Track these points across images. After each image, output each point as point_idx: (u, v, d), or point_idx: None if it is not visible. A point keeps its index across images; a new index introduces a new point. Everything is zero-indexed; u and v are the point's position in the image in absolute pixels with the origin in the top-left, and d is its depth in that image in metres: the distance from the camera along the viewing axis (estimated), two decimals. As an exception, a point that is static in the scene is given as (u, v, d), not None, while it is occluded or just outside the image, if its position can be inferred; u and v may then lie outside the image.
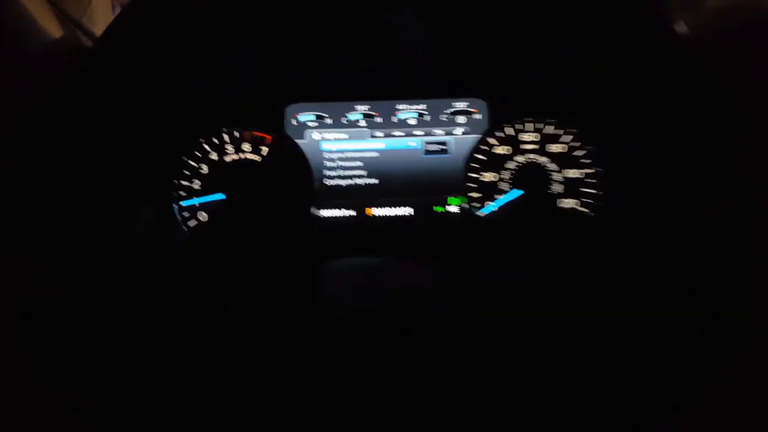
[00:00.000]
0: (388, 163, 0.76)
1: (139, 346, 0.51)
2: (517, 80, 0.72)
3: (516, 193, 0.74)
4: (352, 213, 0.75)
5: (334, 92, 0.75)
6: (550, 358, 0.50)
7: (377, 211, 0.75)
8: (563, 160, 0.73)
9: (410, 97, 0.75)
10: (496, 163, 0.75)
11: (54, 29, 0.56)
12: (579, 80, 0.67)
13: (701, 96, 0.51)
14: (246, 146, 0.74)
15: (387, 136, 0.76)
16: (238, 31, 0.63)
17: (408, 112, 0.76)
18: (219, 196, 0.73)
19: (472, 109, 0.75)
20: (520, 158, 0.74)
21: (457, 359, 0.50)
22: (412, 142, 0.76)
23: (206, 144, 0.73)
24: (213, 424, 0.49)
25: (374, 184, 0.76)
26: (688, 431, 0.49)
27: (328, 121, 0.76)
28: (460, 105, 0.75)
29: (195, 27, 0.60)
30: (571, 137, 0.73)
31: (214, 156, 0.73)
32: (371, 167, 0.76)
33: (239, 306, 0.53)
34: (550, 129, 0.73)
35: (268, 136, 0.75)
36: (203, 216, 0.73)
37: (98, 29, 0.64)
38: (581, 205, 0.73)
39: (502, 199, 0.75)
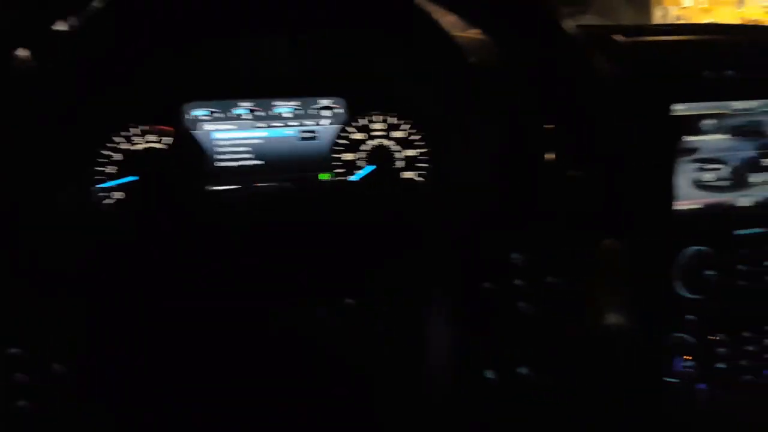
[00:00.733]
0: (270, 147, 0.96)
1: (66, 314, 0.56)
2: (367, 82, 0.95)
3: (369, 169, 0.97)
4: (242, 187, 0.96)
5: (223, 92, 0.95)
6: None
7: (262, 185, 0.97)
8: (404, 143, 0.98)
9: (286, 95, 0.96)
10: (354, 146, 0.98)
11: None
12: (406, 83, 0.92)
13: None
14: (151, 137, 0.92)
15: (268, 126, 0.97)
16: (145, 47, 0.81)
17: (284, 107, 0.97)
18: (130, 179, 0.91)
19: (334, 105, 0.97)
20: (372, 142, 0.98)
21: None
22: (289, 131, 0.97)
23: (119, 137, 0.90)
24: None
25: (259, 164, 0.96)
26: None
27: (218, 115, 0.96)
28: (325, 102, 0.97)
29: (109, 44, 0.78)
30: (408, 126, 0.97)
31: (125, 146, 0.91)
32: (256, 151, 0.96)
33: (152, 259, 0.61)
34: (393, 119, 0.97)
35: (169, 129, 0.93)
36: (117, 196, 0.91)
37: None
38: (417, 176, 0.98)
39: (359, 174, 0.98)
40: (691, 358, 0.81)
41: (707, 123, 0.81)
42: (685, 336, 0.82)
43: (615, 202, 0.61)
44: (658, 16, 1.62)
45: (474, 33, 0.69)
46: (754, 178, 0.83)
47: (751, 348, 0.85)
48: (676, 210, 0.81)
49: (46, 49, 0.69)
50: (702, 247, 0.80)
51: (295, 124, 0.95)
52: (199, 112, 0.92)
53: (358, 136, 0.95)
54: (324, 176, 0.96)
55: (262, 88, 0.94)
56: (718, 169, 0.82)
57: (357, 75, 0.93)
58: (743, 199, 0.83)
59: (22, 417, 0.54)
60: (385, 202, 0.82)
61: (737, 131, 0.82)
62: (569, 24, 0.57)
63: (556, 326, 0.60)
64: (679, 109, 0.79)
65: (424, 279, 0.59)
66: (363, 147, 0.96)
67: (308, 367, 0.57)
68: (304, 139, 0.96)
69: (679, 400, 0.84)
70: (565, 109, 0.60)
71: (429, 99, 0.89)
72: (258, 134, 0.94)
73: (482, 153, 0.77)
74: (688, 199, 0.81)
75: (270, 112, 0.94)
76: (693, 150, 0.81)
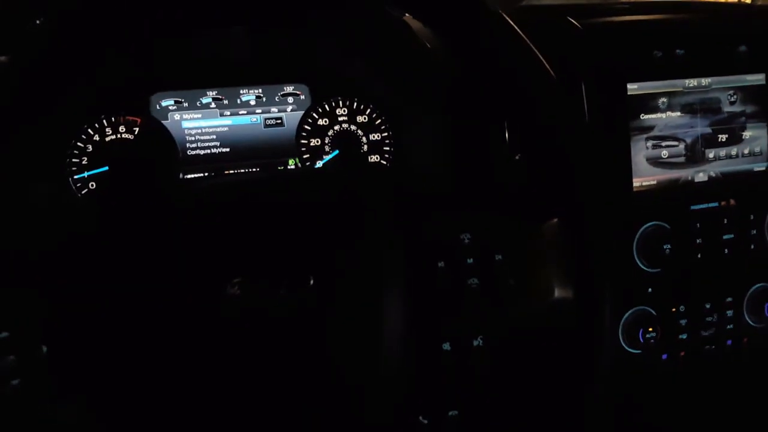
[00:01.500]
0: (236, 134, 0.98)
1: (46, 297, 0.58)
2: (328, 69, 0.97)
3: (335, 153, 0.99)
4: (212, 174, 0.98)
5: (189, 83, 0.97)
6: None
7: (231, 171, 0.98)
8: (367, 127, 1.00)
9: (250, 84, 0.98)
10: (319, 131, 1.00)
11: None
12: (366, 69, 0.94)
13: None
14: (121, 128, 0.94)
15: (233, 114, 0.98)
16: (113, 42, 0.83)
17: (248, 95, 0.98)
18: (103, 169, 0.93)
19: (297, 92, 0.99)
20: (336, 127, 1.00)
21: None
22: (254, 119, 0.99)
23: (90, 128, 0.92)
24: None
25: (226, 152, 0.98)
26: None
27: (185, 104, 0.97)
28: (289, 89, 0.99)
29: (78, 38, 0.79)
30: (369, 110, 0.99)
31: (96, 137, 0.92)
32: (222, 139, 0.98)
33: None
34: (354, 104, 0.99)
35: (138, 119, 0.95)
36: (92, 185, 0.93)
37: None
38: (381, 159, 1.00)
39: (326, 159, 1.00)
40: (652, 330, 0.83)
41: (661, 101, 0.82)
42: (646, 308, 0.84)
43: (560, 183, 0.63)
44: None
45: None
46: (708, 153, 0.85)
47: (711, 319, 0.87)
48: (634, 186, 0.82)
49: (15, 43, 0.70)
50: (660, 222, 0.82)
51: (260, 111, 0.97)
52: (167, 102, 0.93)
53: (322, 122, 0.96)
54: (290, 162, 0.97)
55: (228, 77, 0.95)
56: (674, 145, 0.84)
57: (319, 62, 0.94)
58: (699, 175, 0.85)
59: (12, 398, 0.56)
60: (348, 185, 0.84)
61: (691, 108, 0.84)
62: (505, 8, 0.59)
63: (505, 301, 0.62)
64: (633, 88, 0.81)
65: (381, 259, 0.61)
66: (328, 132, 0.97)
67: (270, 345, 0.59)
68: (268, 125, 0.97)
69: (642, 370, 0.86)
70: (509, 94, 0.61)
71: (386, 84, 0.90)
72: (225, 122, 0.96)
73: (433, 138, 0.79)
74: (645, 175, 0.83)
75: (237, 101, 0.95)
76: (649, 128, 0.82)
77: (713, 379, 0.91)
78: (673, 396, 0.91)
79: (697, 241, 0.84)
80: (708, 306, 0.86)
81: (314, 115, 0.96)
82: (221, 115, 0.95)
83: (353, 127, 0.97)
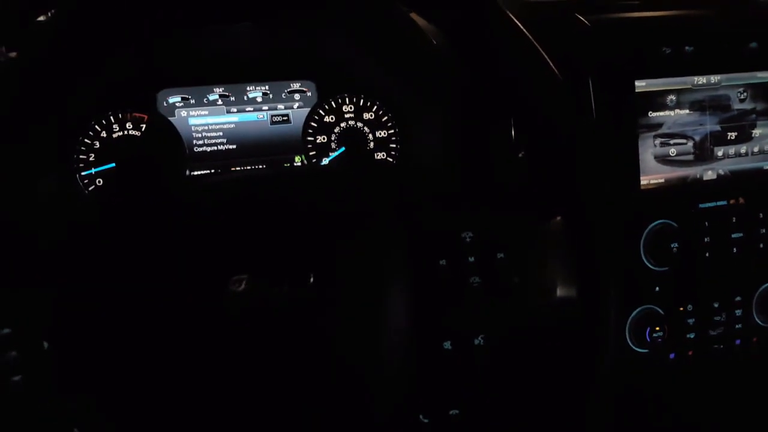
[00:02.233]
0: (242, 131, 0.98)
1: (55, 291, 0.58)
2: (335, 66, 0.97)
3: (341, 150, 0.99)
4: (218, 171, 0.98)
5: (196, 79, 0.97)
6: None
7: (237, 169, 0.99)
8: (373, 125, 1.00)
9: (257, 80, 0.98)
10: (325, 128, 1.00)
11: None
12: (373, 66, 0.94)
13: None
14: (128, 125, 0.95)
15: (239, 111, 0.98)
16: (119, 39, 0.83)
17: (255, 92, 0.98)
18: (110, 165, 0.93)
19: (304, 89, 0.99)
20: (343, 124, 1.00)
21: None
22: (260, 115, 0.99)
23: (97, 125, 0.92)
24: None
25: (233, 148, 0.98)
26: None
27: (192, 101, 0.97)
28: (295, 86, 0.99)
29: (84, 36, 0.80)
30: (376, 107, 0.99)
31: (103, 134, 0.93)
32: (229, 135, 0.98)
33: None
34: (361, 101, 0.99)
35: (145, 116, 0.95)
36: (99, 182, 0.94)
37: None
38: (387, 156, 1.00)
39: (332, 156, 1.00)
40: (659, 329, 0.82)
41: (670, 98, 0.82)
42: (653, 307, 0.83)
43: (563, 182, 0.62)
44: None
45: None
46: (717, 151, 0.84)
47: (720, 318, 0.86)
48: (642, 184, 0.82)
49: (23, 39, 0.71)
50: (667, 221, 0.82)
51: (266, 108, 0.97)
52: (174, 99, 0.94)
53: (328, 118, 0.96)
54: (297, 159, 0.97)
55: (234, 74, 0.95)
56: (683, 143, 0.83)
57: (326, 58, 0.94)
58: (707, 173, 0.84)
59: (14, 394, 0.56)
60: (353, 183, 0.84)
61: (700, 105, 0.83)
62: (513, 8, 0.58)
63: (507, 300, 0.62)
64: (641, 85, 0.80)
65: (384, 257, 0.61)
66: (334, 129, 0.97)
67: (272, 342, 0.59)
68: (274, 122, 0.97)
69: (650, 369, 0.86)
70: (512, 92, 0.61)
71: (392, 81, 0.90)
72: (232, 119, 0.96)
73: (439, 135, 0.79)
74: (653, 173, 0.82)
75: (243, 97, 0.95)
76: (657, 125, 0.82)
77: (721, 379, 0.90)
78: (680, 396, 0.90)
79: (705, 239, 0.84)
80: (716, 305, 0.85)
81: (321, 112, 0.96)
82: (228, 111, 0.95)
83: (359, 124, 0.96)
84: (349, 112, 0.97)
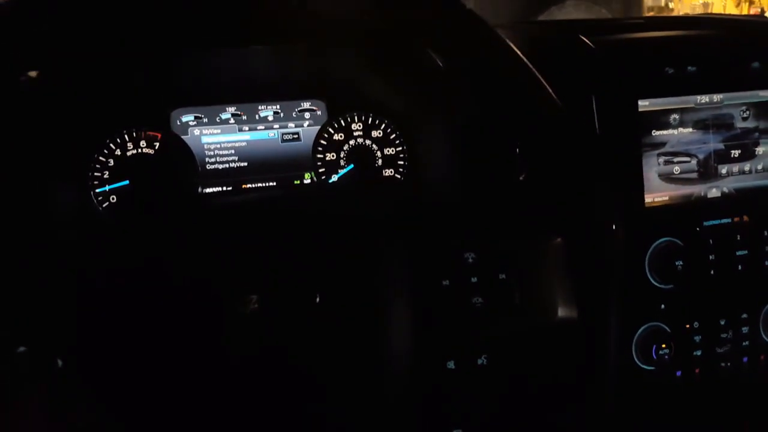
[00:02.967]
0: (254, 149, 1.00)
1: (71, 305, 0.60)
2: (344, 85, 0.99)
3: (350, 167, 1.01)
4: (229, 188, 1.00)
5: (209, 99, 0.99)
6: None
7: (249, 186, 1.01)
8: (382, 142, 1.01)
9: (268, 100, 1.00)
10: (334, 146, 1.01)
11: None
12: (381, 86, 0.95)
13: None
14: (142, 143, 0.97)
15: (251, 129, 1.01)
16: (134, 59, 0.86)
17: (266, 111, 1.00)
18: (124, 183, 0.96)
19: (314, 108, 1.01)
20: (352, 142, 1.02)
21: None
22: (271, 134, 1.01)
23: (111, 143, 0.95)
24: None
25: (244, 166, 1.00)
26: None
27: (205, 120, 1.00)
28: (306, 104, 1.01)
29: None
30: (384, 125, 1.01)
31: (118, 152, 0.95)
32: (241, 153, 1.00)
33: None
34: (370, 120, 1.01)
35: (158, 134, 0.98)
36: (113, 198, 0.96)
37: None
38: (395, 173, 1.01)
39: (341, 173, 1.02)
40: (665, 346, 0.83)
41: (673, 117, 0.82)
42: (660, 324, 0.84)
43: (563, 203, 0.63)
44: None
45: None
46: (721, 169, 0.85)
47: (726, 335, 0.86)
48: (646, 202, 0.82)
49: (41, 59, 0.73)
50: (672, 238, 0.82)
51: (277, 126, 0.99)
52: (187, 118, 0.96)
53: (338, 136, 0.98)
54: (307, 176, 0.99)
55: (246, 93, 0.97)
56: (687, 161, 0.84)
57: (336, 78, 0.96)
58: (712, 191, 0.85)
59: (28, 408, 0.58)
60: (362, 200, 0.85)
61: (704, 124, 0.84)
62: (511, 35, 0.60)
63: (509, 320, 0.63)
64: (645, 104, 0.81)
65: (388, 277, 0.62)
66: (343, 147, 0.99)
67: (278, 360, 0.60)
68: (285, 140, 0.99)
69: (656, 387, 0.86)
70: (513, 114, 0.62)
71: (401, 100, 0.92)
72: (244, 137, 0.98)
73: (445, 153, 0.80)
74: (657, 191, 0.83)
75: (255, 116, 0.97)
76: (661, 144, 0.82)
77: (729, 396, 0.90)
78: (687, 413, 0.90)
79: (710, 257, 0.84)
80: (723, 322, 0.86)
81: (330, 130, 0.98)
82: (240, 130, 0.97)
83: (368, 142, 0.98)
84: (358, 130, 0.99)
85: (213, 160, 0.96)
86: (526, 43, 0.89)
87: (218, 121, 0.96)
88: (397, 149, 0.99)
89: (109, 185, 0.92)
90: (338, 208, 0.76)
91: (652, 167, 0.82)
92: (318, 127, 0.98)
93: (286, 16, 0.70)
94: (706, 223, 0.84)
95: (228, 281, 0.61)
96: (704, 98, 0.83)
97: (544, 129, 0.60)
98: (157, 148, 0.94)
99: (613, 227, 0.79)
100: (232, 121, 0.97)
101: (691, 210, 0.84)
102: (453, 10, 0.56)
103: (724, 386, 0.88)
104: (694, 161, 0.84)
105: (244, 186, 0.97)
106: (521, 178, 0.66)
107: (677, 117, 0.82)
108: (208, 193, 0.96)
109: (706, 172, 0.84)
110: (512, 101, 0.60)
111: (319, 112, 0.98)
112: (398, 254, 0.63)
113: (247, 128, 0.97)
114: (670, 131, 0.82)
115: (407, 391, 0.62)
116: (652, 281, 0.82)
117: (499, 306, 0.63)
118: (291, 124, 0.98)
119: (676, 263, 0.82)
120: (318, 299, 0.58)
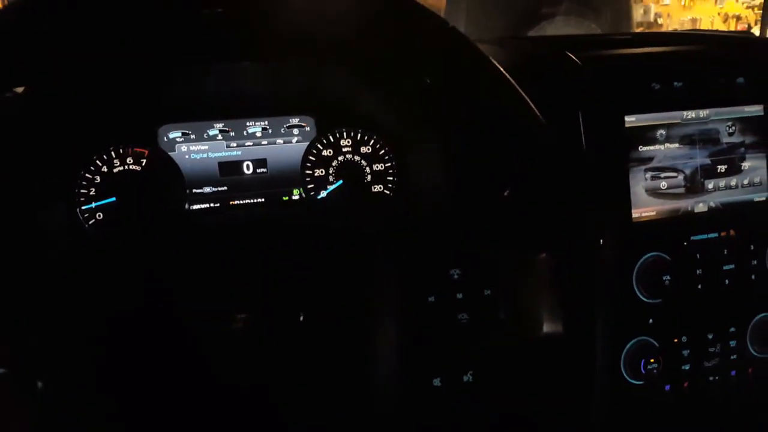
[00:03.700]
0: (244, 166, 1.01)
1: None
2: (333, 101, 0.99)
3: (339, 183, 1.01)
4: (217, 205, 1.00)
5: (196, 114, 0.99)
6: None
7: (236, 202, 1.00)
8: (371, 158, 1.01)
9: (256, 116, 1.00)
10: (323, 162, 1.01)
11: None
12: (371, 101, 0.96)
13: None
14: (129, 159, 0.96)
15: (239, 146, 1.01)
16: (121, 76, 0.86)
17: (255, 127, 1.00)
18: (110, 200, 0.95)
19: (302, 124, 1.01)
20: (341, 158, 1.02)
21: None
22: (261, 150, 1.01)
23: (98, 159, 0.94)
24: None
25: (233, 183, 1.00)
26: None
27: (192, 136, 1.00)
28: (294, 120, 1.01)
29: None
30: (373, 141, 1.01)
31: (104, 168, 0.95)
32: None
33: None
34: (359, 135, 1.01)
35: (145, 151, 0.97)
36: (100, 215, 0.95)
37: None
38: (384, 189, 1.01)
39: (329, 189, 1.02)
40: (654, 360, 0.83)
41: (660, 133, 0.83)
42: (648, 339, 0.84)
43: (549, 218, 0.64)
44: (639, 14, 1.64)
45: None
46: (708, 184, 0.85)
47: (714, 349, 0.86)
48: (633, 217, 0.83)
49: (29, 76, 0.73)
50: (659, 253, 0.83)
51: (265, 142, 0.98)
52: (175, 134, 0.96)
53: (326, 152, 0.98)
54: (295, 192, 0.99)
55: (234, 109, 0.97)
56: (673, 176, 0.84)
57: (325, 94, 0.96)
58: (699, 205, 0.85)
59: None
60: (349, 217, 0.85)
61: (690, 139, 0.84)
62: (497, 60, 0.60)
63: (495, 335, 0.63)
64: (631, 120, 0.81)
65: (375, 293, 0.62)
66: (332, 163, 0.98)
67: (262, 378, 0.60)
68: (274, 157, 0.98)
69: (645, 401, 0.86)
70: (498, 131, 0.63)
71: (390, 116, 0.92)
72: (232, 154, 0.98)
73: (435, 168, 0.80)
74: (644, 206, 0.83)
75: (243, 132, 0.97)
76: (647, 159, 0.83)
77: (717, 410, 0.90)
78: (676, 427, 0.90)
79: (698, 271, 0.84)
80: (710, 336, 0.86)
81: (319, 146, 0.98)
82: (227, 146, 0.97)
83: (357, 158, 0.98)
84: (347, 146, 0.99)
85: (201, 177, 0.96)
86: (512, 58, 0.90)
87: (206, 137, 0.96)
88: (386, 165, 0.99)
89: (95, 202, 0.91)
90: (327, 224, 0.76)
91: (639, 182, 0.82)
92: (307, 143, 0.98)
93: (274, 35, 0.70)
94: (693, 238, 0.84)
95: (215, 299, 0.62)
96: (691, 114, 0.83)
97: (529, 145, 0.60)
98: (144, 164, 0.93)
99: (601, 242, 0.79)
100: (219, 137, 0.96)
101: (679, 225, 0.84)
102: (436, 28, 0.57)
103: (712, 400, 0.88)
104: (680, 176, 0.84)
105: (231, 203, 0.97)
106: (506, 194, 0.67)
107: (664, 132, 0.82)
108: (196, 209, 0.95)
109: (693, 187, 0.85)
110: (496, 118, 0.60)
111: (307, 128, 0.98)
112: (385, 271, 0.62)
113: (234, 144, 0.97)
114: (657, 146, 0.83)
115: (394, 409, 0.61)
116: (640, 296, 0.82)
117: (485, 322, 0.63)
118: (279, 140, 0.98)
119: (664, 278, 0.82)
120: (302, 318, 0.57)
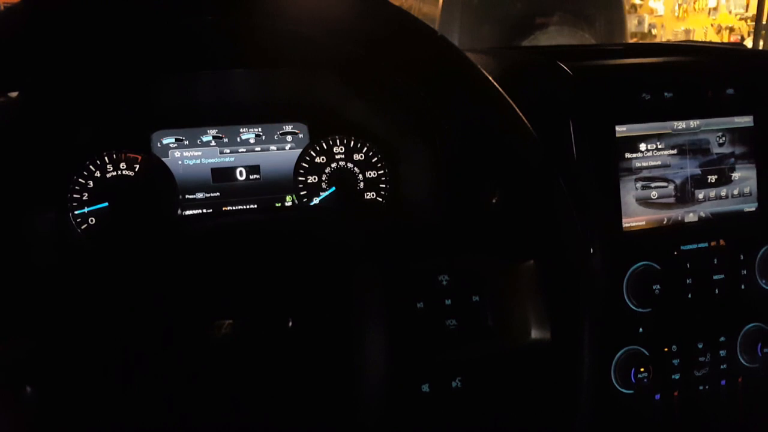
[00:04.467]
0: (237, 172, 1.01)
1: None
2: (327, 108, 0.99)
3: (331, 190, 1.01)
4: (209, 210, 1.00)
5: (190, 121, 0.99)
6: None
7: (229, 209, 1.01)
8: (364, 165, 1.02)
9: (249, 122, 1.00)
10: (316, 169, 1.02)
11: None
12: (364, 109, 0.96)
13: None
14: (122, 165, 0.97)
15: (232, 152, 1.01)
16: (115, 82, 0.86)
17: (248, 134, 1.01)
18: (103, 205, 0.95)
19: (296, 131, 1.02)
20: (334, 165, 1.02)
21: None
22: (254, 156, 1.02)
23: (91, 164, 0.95)
24: None
25: (226, 189, 1.00)
26: None
27: (186, 142, 1.00)
28: (287, 127, 1.01)
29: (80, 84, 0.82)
30: (366, 148, 1.01)
31: (97, 173, 0.95)
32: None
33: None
34: (352, 143, 1.01)
35: (138, 156, 0.98)
36: (92, 221, 0.95)
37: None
38: (376, 196, 1.02)
39: (322, 196, 1.02)
40: (644, 370, 0.83)
41: (650, 143, 0.83)
42: (638, 348, 0.84)
43: (538, 226, 0.64)
44: (633, 24, 1.65)
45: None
46: (698, 194, 0.86)
47: (705, 359, 0.87)
48: (624, 227, 0.83)
49: (23, 80, 0.73)
50: (649, 262, 0.83)
51: (258, 149, 0.99)
52: (168, 140, 0.96)
53: (319, 159, 0.98)
54: (288, 199, 0.99)
55: (228, 116, 0.98)
56: (664, 186, 0.85)
57: (318, 101, 0.97)
58: (689, 215, 0.86)
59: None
60: (342, 222, 0.86)
61: (680, 149, 0.85)
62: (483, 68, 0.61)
63: (483, 342, 0.63)
64: (622, 130, 0.82)
65: (363, 300, 0.62)
66: (325, 170, 0.99)
67: (249, 384, 0.60)
68: (267, 163, 0.99)
69: (635, 411, 0.86)
70: (487, 140, 0.63)
71: (383, 124, 0.92)
72: (225, 160, 0.98)
73: (427, 176, 0.81)
74: (634, 216, 0.84)
75: (237, 139, 0.97)
76: (638, 169, 0.83)
77: (707, 419, 0.90)
78: (666, 436, 0.91)
79: (688, 281, 0.85)
80: (701, 346, 0.86)
81: (312, 153, 0.98)
82: (221, 153, 0.97)
83: (350, 165, 0.98)
84: (339, 153, 1.00)
85: (194, 183, 0.96)
86: (503, 68, 0.90)
87: (199, 143, 0.96)
88: (379, 172, 0.99)
89: (87, 207, 0.91)
90: (318, 230, 0.76)
91: (629, 192, 0.83)
92: (300, 150, 0.98)
93: (268, 43, 0.71)
94: (683, 247, 0.84)
95: (204, 304, 0.61)
96: (681, 124, 0.84)
97: (517, 154, 0.61)
98: (137, 170, 0.93)
99: (591, 251, 0.80)
100: (213, 143, 0.97)
101: (669, 234, 0.85)
102: (425, 37, 0.57)
103: (702, 409, 0.88)
104: (671, 186, 0.84)
105: (224, 208, 0.97)
106: (494, 201, 0.67)
107: (654, 142, 0.83)
108: (188, 215, 0.95)
109: (683, 196, 0.85)
110: (484, 127, 0.61)
111: (301, 135, 0.99)
112: (374, 276, 0.62)
113: (228, 150, 0.97)
114: (648, 156, 0.83)
115: (383, 415, 0.61)
116: (630, 305, 0.83)
117: (473, 328, 0.63)
118: (272, 147, 0.98)
119: (654, 287, 0.82)
120: (290, 323, 0.57)
